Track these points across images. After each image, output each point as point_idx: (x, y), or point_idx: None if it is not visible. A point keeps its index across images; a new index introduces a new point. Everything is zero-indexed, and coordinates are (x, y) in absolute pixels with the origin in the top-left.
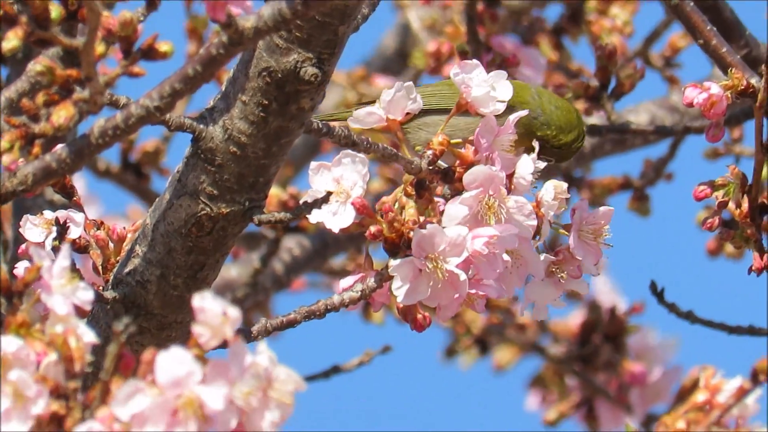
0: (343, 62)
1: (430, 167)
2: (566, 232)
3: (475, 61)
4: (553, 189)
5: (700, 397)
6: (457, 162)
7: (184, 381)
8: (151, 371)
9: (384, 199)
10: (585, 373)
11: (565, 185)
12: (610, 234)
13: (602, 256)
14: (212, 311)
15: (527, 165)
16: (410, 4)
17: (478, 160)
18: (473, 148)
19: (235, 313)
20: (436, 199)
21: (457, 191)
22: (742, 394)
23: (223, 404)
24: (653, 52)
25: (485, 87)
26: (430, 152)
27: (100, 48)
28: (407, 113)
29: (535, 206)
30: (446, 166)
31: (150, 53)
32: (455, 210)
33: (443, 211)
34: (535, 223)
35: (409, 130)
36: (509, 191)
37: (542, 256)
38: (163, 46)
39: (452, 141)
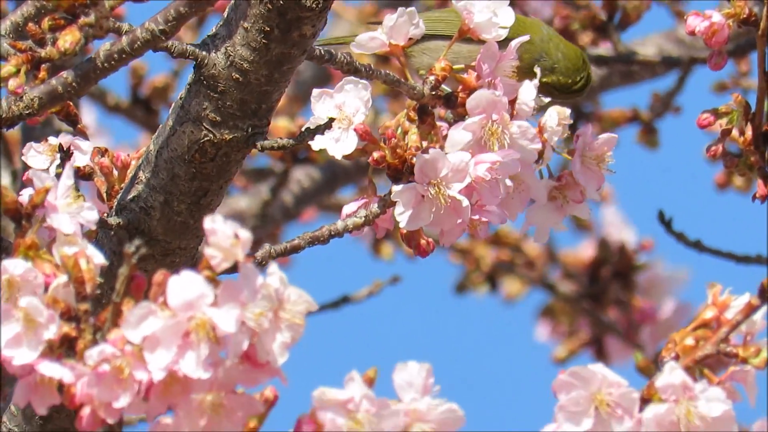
0: None
1: (433, 92)
2: (569, 157)
3: None
4: (556, 115)
5: (708, 313)
6: (460, 87)
7: (196, 303)
8: (163, 293)
9: (387, 124)
10: (594, 310)
11: (568, 111)
12: (613, 160)
13: (604, 182)
14: (224, 233)
15: (529, 91)
16: None
17: (481, 85)
18: (475, 73)
19: (246, 235)
20: (438, 123)
21: (460, 116)
22: (750, 310)
23: (235, 326)
24: None
25: (487, 13)
26: (432, 78)
27: None
28: (410, 38)
29: (538, 132)
30: (449, 90)
31: None
32: (459, 135)
33: (446, 135)
34: (539, 146)
35: (413, 54)
36: (512, 117)
37: (544, 181)
38: None
39: (455, 67)
